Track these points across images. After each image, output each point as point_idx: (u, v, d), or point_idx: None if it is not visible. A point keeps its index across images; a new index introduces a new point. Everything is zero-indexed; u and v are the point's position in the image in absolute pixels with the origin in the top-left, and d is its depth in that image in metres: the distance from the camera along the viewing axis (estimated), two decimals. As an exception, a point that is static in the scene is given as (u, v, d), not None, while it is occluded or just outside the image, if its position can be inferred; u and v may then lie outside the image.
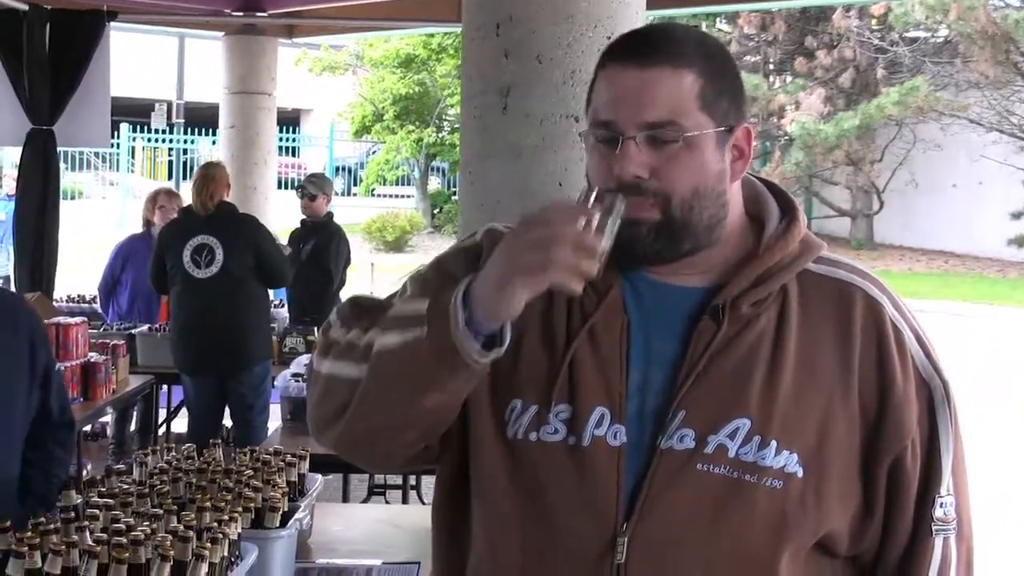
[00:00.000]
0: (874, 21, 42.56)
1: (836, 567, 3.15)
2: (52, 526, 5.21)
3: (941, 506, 3.08)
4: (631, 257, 3.09)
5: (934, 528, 3.08)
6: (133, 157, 49.82)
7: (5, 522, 5.17)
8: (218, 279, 12.36)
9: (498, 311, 2.89)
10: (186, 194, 15.80)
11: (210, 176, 13.07)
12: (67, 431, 6.48)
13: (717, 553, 3.02)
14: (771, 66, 44.42)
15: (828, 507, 3.04)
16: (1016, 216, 41.18)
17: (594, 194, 2.93)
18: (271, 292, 13.61)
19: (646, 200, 3.02)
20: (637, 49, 3.08)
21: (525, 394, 3.11)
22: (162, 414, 13.84)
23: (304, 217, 15.24)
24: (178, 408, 13.93)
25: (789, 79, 44.03)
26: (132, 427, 12.53)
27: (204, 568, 4.86)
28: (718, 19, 41.84)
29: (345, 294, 15.00)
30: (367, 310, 3.39)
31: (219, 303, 12.36)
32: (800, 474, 3.00)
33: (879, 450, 3.07)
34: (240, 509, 5.51)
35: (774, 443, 3.00)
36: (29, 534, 5.03)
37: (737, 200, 3.20)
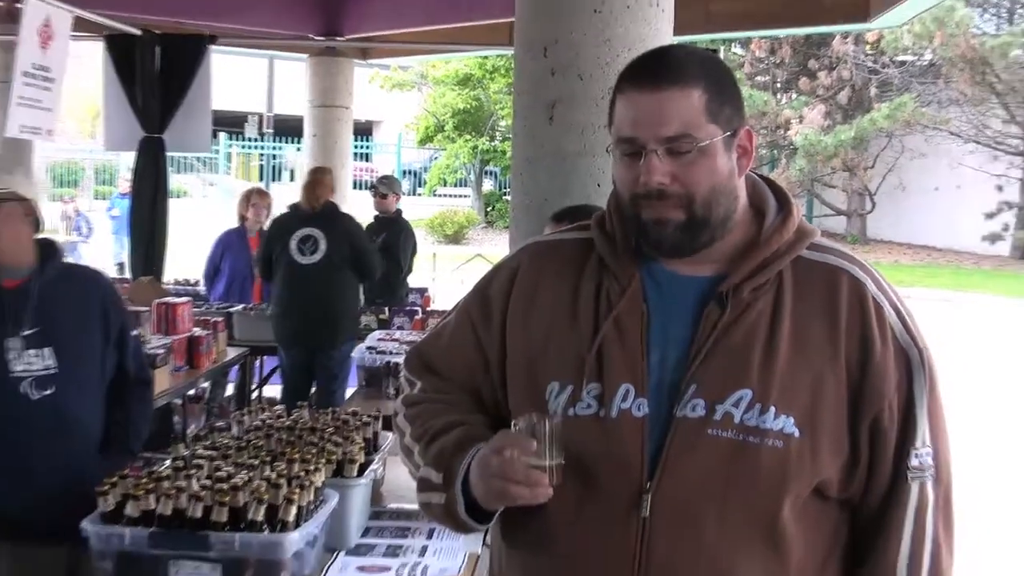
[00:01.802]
0: (868, 46, 42.41)
1: (828, 508, 3.18)
2: (164, 473, 5.27)
3: (916, 456, 3.13)
4: (659, 251, 3.19)
5: (910, 475, 3.13)
6: (229, 161, 49.75)
7: (115, 475, 5.19)
8: (319, 266, 12.42)
9: (486, 508, 3.19)
10: (275, 193, 15.91)
11: (318, 180, 13.14)
12: (144, 388, 6.51)
13: (728, 505, 3.06)
14: (778, 85, 44.23)
15: (821, 460, 3.08)
16: (990, 216, 41.11)
17: (527, 423, 3.03)
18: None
19: (670, 202, 3.08)
20: (649, 73, 3.13)
21: (561, 376, 3.19)
22: (253, 381, 13.85)
23: (377, 213, 15.26)
24: (268, 376, 13.99)
25: (794, 96, 43.87)
26: (228, 392, 12.56)
27: (293, 510, 4.94)
28: (733, 44, 41.74)
29: (412, 280, 15.46)
30: (425, 371, 3.59)
31: (318, 287, 12.40)
32: (797, 434, 3.04)
33: (862, 410, 3.11)
34: (323, 461, 5.57)
35: (773, 409, 3.05)
36: (143, 480, 5.10)
37: (743, 193, 3.26)
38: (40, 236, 6.09)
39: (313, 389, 12.19)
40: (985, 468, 11.67)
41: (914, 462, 3.14)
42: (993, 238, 41.22)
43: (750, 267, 3.16)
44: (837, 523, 3.24)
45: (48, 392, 5.85)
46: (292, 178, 38.56)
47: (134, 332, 6.59)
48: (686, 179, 3.07)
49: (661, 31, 7.53)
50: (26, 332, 5.86)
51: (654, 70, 3.14)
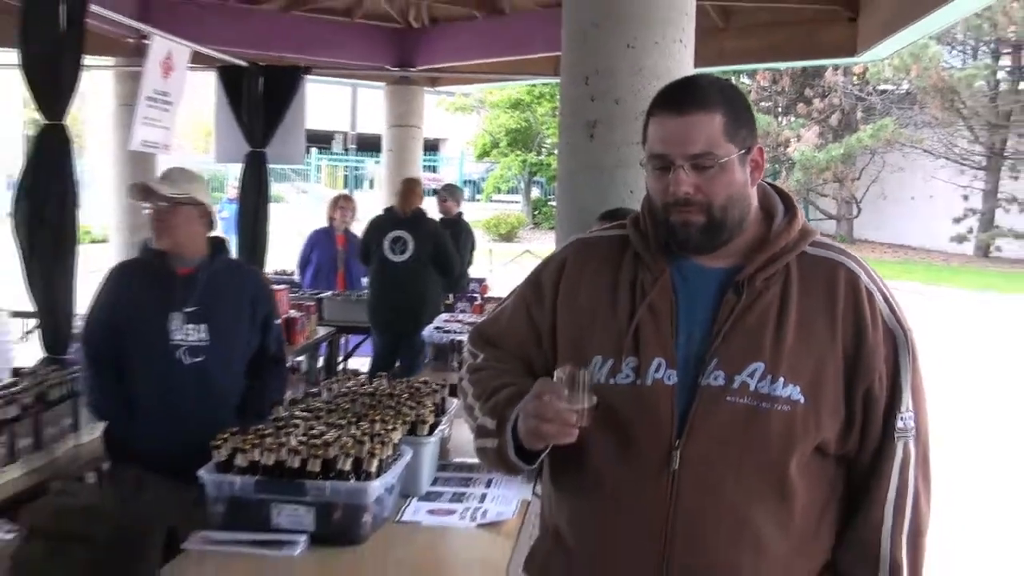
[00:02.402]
0: (855, 77, 42.39)
1: (827, 463, 3.24)
2: (267, 431, 5.34)
3: (901, 419, 3.19)
4: (685, 249, 3.26)
5: (896, 435, 3.19)
6: (319, 172, 49.87)
7: (232, 429, 5.32)
8: (407, 263, 12.58)
9: (529, 446, 3.26)
10: (357, 199, 15.97)
11: (411, 189, 13.30)
12: (278, 366, 6.63)
13: (744, 460, 3.14)
14: (779, 109, 44.17)
15: (822, 423, 3.15)
16: (957, 221, 41.15)
17: (566, 375, 3.08)
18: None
19: (694, 208, 3.17)
20: (678, 100, 3.20)
21: (603, 352, 3.26)
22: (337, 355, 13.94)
23: (441, 215, 15.33)
24: (352, 351, 14.08)
25: (792, 119, 43.82)
26: (319, 364, 12.66)
27: (375, 463, 5.02)
28: (741, 75, 41.67)
29: (472, 271, 15.55)
30: (485, 344, 3.69)
31: (406, 282, 12.56)
32: (802, 401, 3.12)
33: (856, 381, 3.18)
34: (400, 422, 5.65)
35: (782, 379, 3.13)
36: (250, 437, 5.20)
37: (755, 199, 3.32)
38: (212, 235, 6.24)
39: (397, 364, 12.19)
40: (955, 433, 11.72)
41: (899, 424, 3.20)
42: (960, 239, 41.28)
43: (762, 260, 3.24)
44: (834, 476, 3.28)
45: (198, 359, 6.05)
46: (371, 186, 38.71)
47: (276, 321, 6.67)
48: (708, 189, 3.17)
49: (684, 63, 7.60)
50: (188, 309, 6.04)
51: (681, 97, 3.20)
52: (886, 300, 3.28)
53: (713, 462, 3.15)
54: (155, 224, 6.07)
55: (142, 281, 6.17)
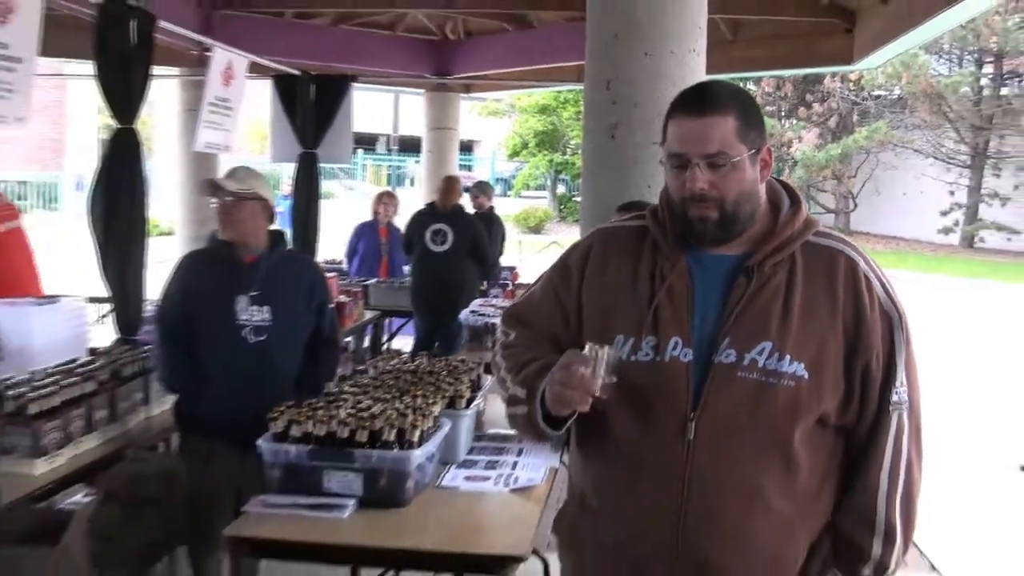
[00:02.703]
0: (851, 84, 42.35)
1: (828, 434, 3.25)
2: (319, 405, 5.38)
3: (896, 394, 3.21)
4: (701, 242, 3.28)
5: (891, 408, 3.21)
6: (364, 171, 49.95)
7: (289, 403, 5.38)
8: (447, 253, 12.71)
9: (555, 413, 3.28)
10: (399, 195, 16.05)
11: (451, 187, 13.41)
12: (332, 347, 6.67)
13: (753, 431, 3.16)
14: (783, 113, 44.13)
15: (824, 397, 3.17)
16: (944, 214, 41.13)
17: (590, 350, 3.14)
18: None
19: (709, 203, 3.19)
20: (694, 103, 3.22)
21: (625, 331, 3.27)
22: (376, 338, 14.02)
23: (474, 210, 15.36)
24: (395, 332, 14.15)
25: (794, 122, 43.77)
26: (365, 344, 12.74)
27: (417, 433, 5.04)
28: (748, 81, 41.56)
29: (503, 261, 15.66)
30: (517, 323, 3.71)
31: (445, 271, 12.69)
32: (806, 377, 3.14)
33: (855, 359, 3.20)
34: (439, 396, 5.66)
35: (788, 357, 3.15)
36: (304, 409, 5.24)
37: (764, 194, 3.32)
38: (272, 228, 6.37)
39: (436, 345, 12.30)
40: (943, 406, 11.73)
41: (894, 398, 3.22)
42: (947, 231, 41.27)
43: (770, 248, 3.25)
44: (834, 445, 3.30)
45: (262, 338, 6.13)
46: (412, 184, 38.80)
47: (330, 306, 6.76)
48: (721, 186, 3.18)
49: (696, 71, 7.65)
50: (252, 293, 6.12)
51: (698, 101, 3.22)
52: (882, 285, 3.29)
53: (725, 432, 3.17)
54: (222, 217, 6.15)
55: (211, 268, 6.25)
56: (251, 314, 6.12)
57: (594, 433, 3.41)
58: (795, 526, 3.27)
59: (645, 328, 3.27)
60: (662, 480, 3.21)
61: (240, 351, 6.10)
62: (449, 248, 12.75)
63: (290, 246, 6.91)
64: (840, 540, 3.33)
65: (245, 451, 5.57)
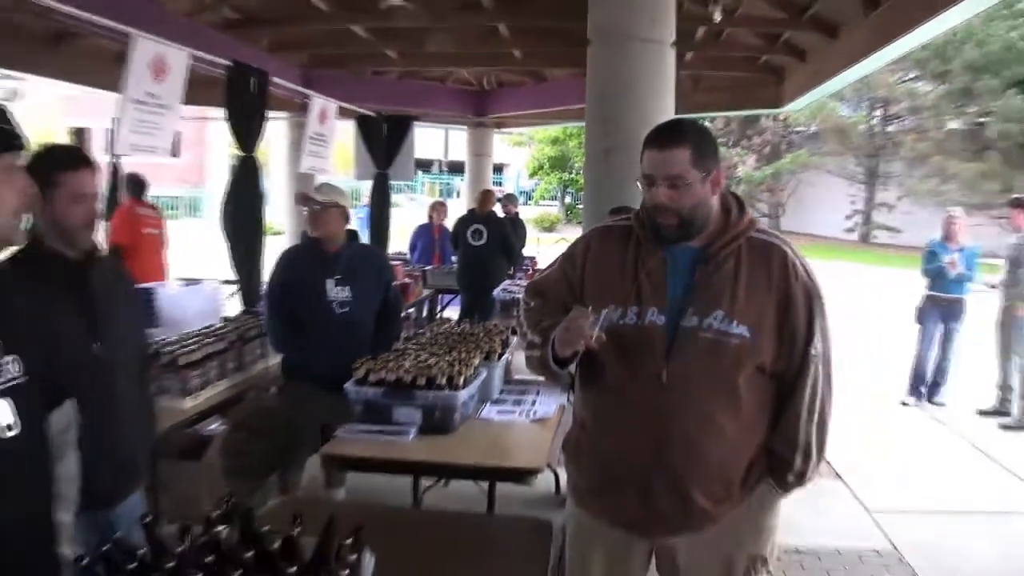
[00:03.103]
0: (780, 121, 42.24)
1: (764, 379, 3.29)
2: (390, 358, 5.44)
3: (814, 348, 3.26)
4: (667, 241, 3.30)
5: (810, 359, 3.26)
6: (423, 186, 50.06)
7: (367, 357, 5.46)
8: (483, 248, 12.94)
9: (561, 354, 3.31)
10: (449, 204, 16.13)
11: (486, 197, 13.67)
12: (396, 315, 6.70)
13: (709, 375, 3.23)
14: (730, 143, 43.80)
15: (762, 350, 3.22)
16: (848, 217, 41.19)
17: (591, 312, 3.20)
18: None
19: (669, 213, 3.24)
20: (659, 138, 3.27)
21: (615, 302, 3.30)
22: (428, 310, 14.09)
23: (505, 214, 15.34)
24: (445, 306, 14.14)
25: (739, 149, 43.54)
26: (423, 314, 12.81)
27: (462, 379, 5.12)
28: (707, 120, 41.34)
29: (525, 252, 15.53)
30: (536, 294, 3.72)
31: (482, 260, 12.91)
32: (748, 336, 3.20)
33: (784, 323, 3.24)
34: (478, 352, 5.69)
35: (735, 321, 3.21)
36: (379, 361, 5.31)
37: (716, 202, 3.34)
38: (348, 228, 6.42)
39: (476, 315, 12.23)
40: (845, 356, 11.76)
41: (812, 352, 3.27)
42: (849, 230, 41.31)
43: (723, 241, 3.29)
44: (768, 386, 3.33)
45: (345, 311, 6.18)
46: (458, 196, 38.70)
47: (394, 283, 6.80)
48: (679, 200, 3.22)
49: (668, 110, 7.65)
50: (337, 276, 6.19)
51: (662, 137, 3.27)
52: (804, 269, 3.33)
53: (689, 376, 3.23)
54: (311, 220, 6.24)
55: (305, 259, 6.31)
56: (336, 293, 6.18)
57: (593, 377, 3.45)
58: (740, 445, 3.34)
59: (630, 300, 3.32)
60: (643, 411, 3.28)
61: (329, 320, 6.16)
62: (484, 243, 12.98)
63: (365, 241, 6.97)
64: (772, 456, 3.38)
65: (333, 394, 5.65)
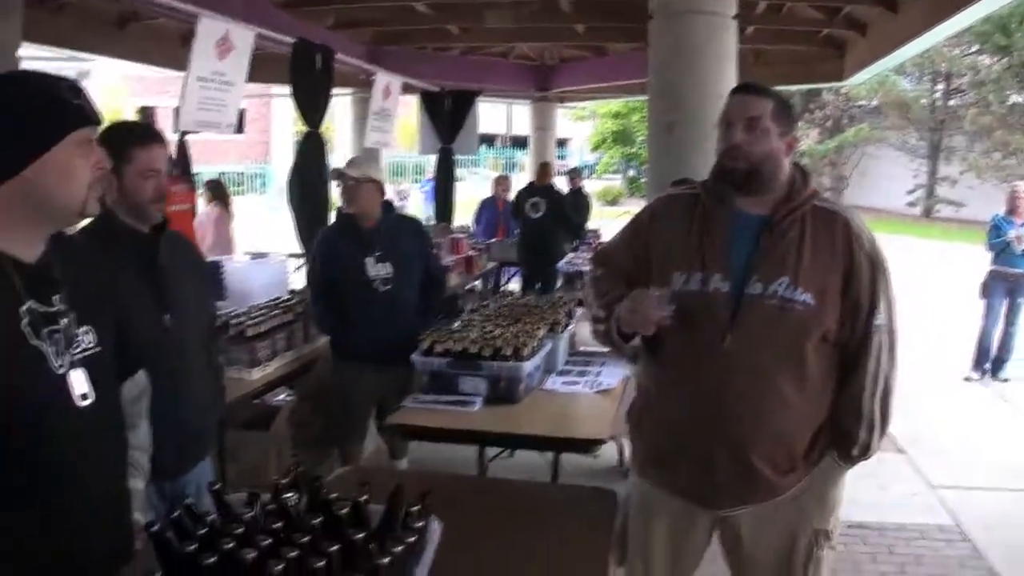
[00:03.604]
0: (842, 95, 41.91)
1: (829, 347, 3.26)
2: (456, 328, 5.50)
3: (878, 319, 3.23)
4: (734, 187, 3.30)
5: (874, 330, 3.24)
6: (486, 161, 50.11)
7: (429, 329, 5.51)
8: (541, 219, 12.87)
9: (626, 330, 3.35)
10: (512, 179, 16.25)
11: (544, 171, 13.72)
12: (439, 285, 6.63)
13: (773, 342, 3.21)
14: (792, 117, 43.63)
15: (826, 318, 3.20)
16: (909, 192, 40.68)
17: (655, 291, 3.21)
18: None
19: (740, 157, 3.22)
20: (744, 87, 3.36)
21: (680, 269, 3.29)
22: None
23: (569, 188, 15.61)
24: (510, 278, 14.24)
25: (801, 123, 43.23)
26: (489, 286, 12.87)
27: (527, 350, 5.07)
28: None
29: (589, 225, 15.57)
30: (602, 263, 3.70)
31: (542, 232, 12.85)
32: (813, 304, 3.18)
33: (848, 292, 3.22)
34: (543, 323, 5.65)
35: (800, 289, 3.19)
36: (439, 333, 5.36)
37: (787, 169, 3.32)
38: (384, 199, 6.26)
39: (538, 286, 12.29)
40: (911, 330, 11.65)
41: (876, 322, 3.24)
42: (911, 204, 40.87)
43: (787, 209, 3.26)
44: (832, 356, 3.30)
45: (388, 287, 6.05)
46: (521, 170, 38.76)
47: (434, 251, 6.75)
48: (752, 145, 3.21)
49: (730, 83, 7.48)
50: (376, 253, 6.04)
51: (747, 87, 3.36)
52: (869, 238, 3.30)
53: (752, 344, 3.21)
54: (346, 197, 6.12)
55: (343, 238, 6.19)
56: (377, 271, 6.06)
57: (657, 345, 3.42)
58: (803, 416, 3.30)
59: (694, 266, 3.29)
60: (707, 378, 3.25)
61: (373, 299, 6.06)
62: (542, 215, 12.91)
63: (431, 215, 6.93)
64: (836, 427, 3.34)
65: (384, 369, 5.77)
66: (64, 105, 2.28)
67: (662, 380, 3.49)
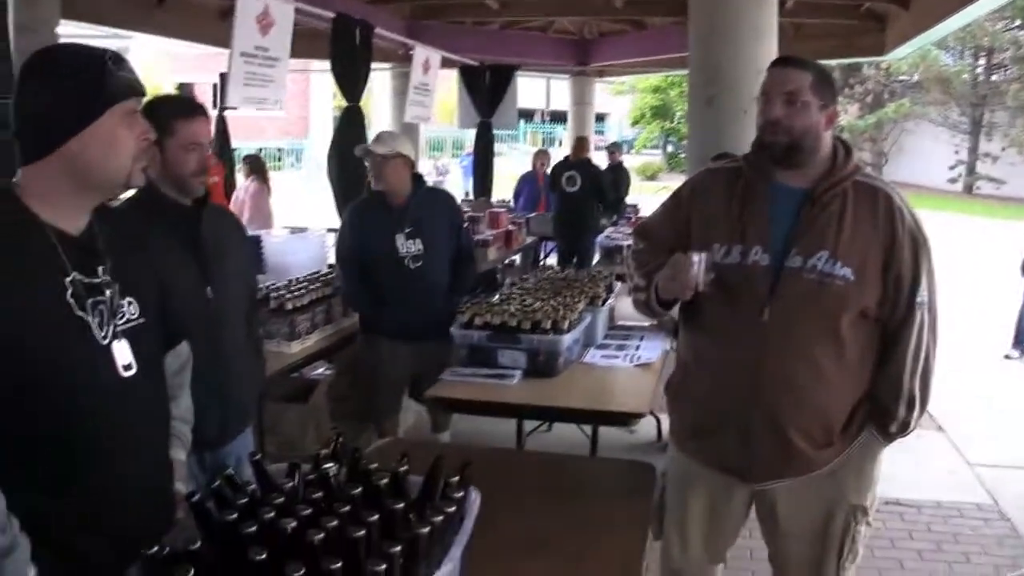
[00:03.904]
0: (883, 70, 41.62)
1: (868, 323, 3.27)
2: (495, 302, 5.49)
3: (919, 296, 3.23)
4: (774, 161, 3.30)
5: (916, 307, 3.23)
6: (526, 136, 50.09)
7: (470, 301, 5.53)
8: (577, 194, 12.85)
9: (664, 298, 3.42)
10: (552, 153, 16.18)
11: (580, 145, 13.72)
12: (470, 260, 6.54)
13: (811, 316, 3.23)
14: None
15: (866, 294, 3.22)
16: (951, 168, 40.44)
17: (694, 255, 3.21)
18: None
19: (780, 130, 3.22)
20: (782, 60, 3.35)
21: (720, 240, 3.31)
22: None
23: (608, 163, 15.66)
24: (548, 253, 14.27)
25: (841, 98, 42.88)
26: (529, 260, 12.95)
27: (566, 323, 5.09)
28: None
29: (629, 200, 15.63)
30: (643, 236, 3.73)
31: (578, 207, 12.83)
32: (852, 278, 3.20)
33: (889, 268, 3.22)
34: (583, 296, 5.67)
35: (839, 263, 3.20)
36: (484, 306, 5.37)
37: (828, 141, 3.32)
38: (414, 172, 6.23)
39: (575, 260, 12.30)
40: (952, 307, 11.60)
41: (918, 299, 3.24)
42: (952, 181, 40.61)
43: (829, 183, 3.27)
44: (872, 332, 3.30)
45: (419, 264, 6.04)
46: (560, 144, 38.73)
47: (465, 226, 6.73)
48: (791, 119, 3.22)
49: (770, 57, 7.37)
50: (407, 230, 6.03)
51: (785, 59, 3.35)
52: (911, 215, 3.29)
53: (790, 317, 3.23)
54: (374, 173, 6.06)
55: (372, 214, 6.15)
56: (408, 248, 6.03)
57: (696, 317, 3.48)
58: (841, 390, 3.32)
59: (734, 238, 3.31)
60: (744, 350, 3.28)
61: (404, 276, 6.03)
62: (578, 189, 12.89)
63: (469, 191, 6.90)
64: (875, 404, 3.36)
65: (417, 346, 5.82)
66: (108, 76, 2.28)
67: (700, 351, 3.53)
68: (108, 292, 2.36)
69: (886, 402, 3.33)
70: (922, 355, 3.29)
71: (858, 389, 3.35)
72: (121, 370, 2.36)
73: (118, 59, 2.33)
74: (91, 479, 2.32)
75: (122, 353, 2.37)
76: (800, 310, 3.23)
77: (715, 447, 3.45)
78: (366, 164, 6.23)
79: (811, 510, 3.45)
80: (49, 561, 2.16)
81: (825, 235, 3.23)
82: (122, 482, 2.40)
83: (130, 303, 2.44)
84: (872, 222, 3.25)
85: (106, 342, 2.34)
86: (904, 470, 6.96)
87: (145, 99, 2.44)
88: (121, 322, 2.39)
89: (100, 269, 2.36)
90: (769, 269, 3.25)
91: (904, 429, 3.36)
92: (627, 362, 5.37)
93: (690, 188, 3.61)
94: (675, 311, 3.54)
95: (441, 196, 6.80)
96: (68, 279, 2.27)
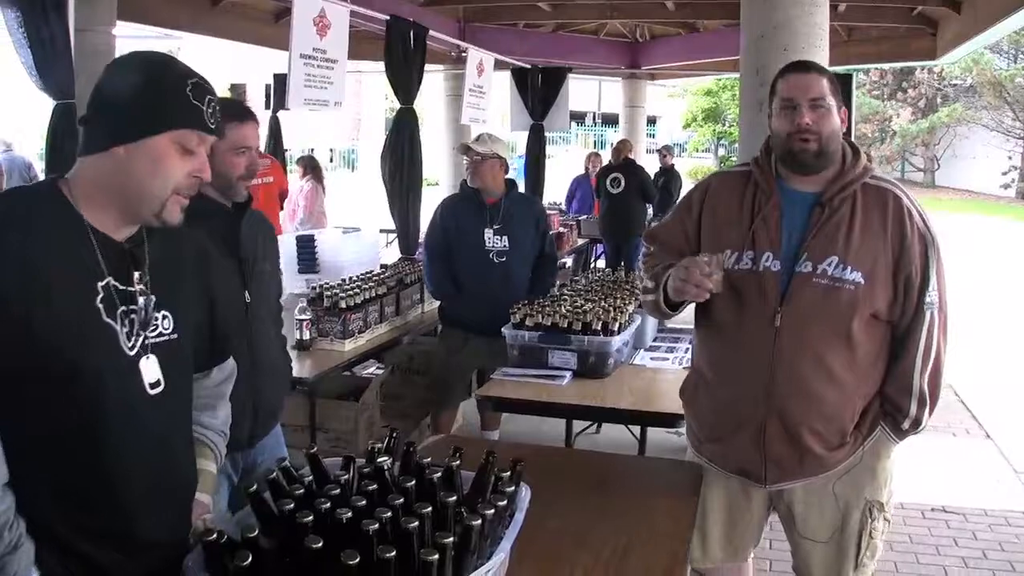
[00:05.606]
0: (935, 74, 41.31)
1: (879, 325, 3.32)
2: (546, 303, 5.54)
3: (929, 296, 3.27)
4: (803, 168, 3.34)
5: (925, 307, 3.27)
6: (577, 137, 50.04)
7: (524, 301, 5.57)
8: (621, 195, 13.10)
9: (674, 300, 3.44)
10: (603, 156, 16.16)
11: (623, 147, 13.87)
12: (551, 263, 6.69)
13: (823, 321, 3.28)
14: (885, 96, 43.02)
15: (876, 297, 3.27)
16: (1004, 174, 40.08)
17: (706, 256, 3.24)
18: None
19: (811, 137, 3.25)
20: (802, 65, 3.41)
21: (731, 246, 3.37)
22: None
23: (660, 166, 16.15)
24: (600, 255, 14.33)
25: (894, 102, 42.68)
26: (580, 262, 13.06)
27: (617, 325, 5.19)
28: (859, 72, 40.79)
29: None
30: (653, 240, 3.77)
31: (623, 208, 13.08)
32: (863, 282, 3.25)
33: (899, 270, 3.27)
34: (633, 299, 5.66)
35: (849, 267, 3.26)
36: (536, 306, 5.41)
37: (841, 144, 3.37)
38: (507, 177, 6.50)
39: (622, 262, 12.29)
40: (969, 307, 11.51)
41: (927, 300, 3.29)
42: (1005, 186, 40.27)
43: (838, 187, 3.33)
44: (883, 334, 3.36)
45: (503, 260, 6.29)
46: (611, 147, 38.88)
47: (550, 232, 6.90)
48: (820, 124, 3.27)
49: (822, 61, 7.39)
50: (495, 227, 6.29)
51: (805, 64, 3.42)
52: (920, 216, 3.34)
53: (802, 322, 3.28)
54: (471, 171, 6.32)
55: (464, 209, 6.40)
56: (494, 243, 6.26)
57: (709, 323, 3.55)
58: (853, 392, 3.37)
59: (745, 244, 3.37)
60: (757, 355, 3.34)
61: (488, 269, 6.26)
62: (622, 191, 13.18)
63: (521, 190, 6.98)
64: (887, 402, 3.41)
65: (489, 340, 5.82)
66: (181, 99, 2.25)
67: (714, 357, 3.59)
68: (142, 300, 2.30)
69: (898, 400, 3.37)
70: (933, 353, 3.33)
71: (870, 389, 3.41)
72: (148, 388, 2.29)
73: (203, 90, 2.30)
74: (108, 491, 2.26)
75: (150, 370, 2.30)
76: (811, 315, 3.28)
77: (730, 451, 3.53)
78: (463, 160, 6.50)
79: (828, 509, 3.52)
80: (58, 571, 2.16)
81: (834, 240, 3.28)
82: (143, 496, 2.33)
83: (165, 317, 2.36)
84: (882, 225, 3.30)
85: (133, 353, 2.27)
86: (950, 477, 6.94)
87: (215, 138, 2.38)
88: (152, 335, 2.32)
89: (136, 275, 2.30)
90: (780, 275, 3.31)
91: (916, 427, 3.40)
92: (676, 364, 5.41)
93: (701, 193, 3.64)
94: (683, 309, 3.59)
95: (531, 201, 7.07)
96: (102, 283, 2.22)
